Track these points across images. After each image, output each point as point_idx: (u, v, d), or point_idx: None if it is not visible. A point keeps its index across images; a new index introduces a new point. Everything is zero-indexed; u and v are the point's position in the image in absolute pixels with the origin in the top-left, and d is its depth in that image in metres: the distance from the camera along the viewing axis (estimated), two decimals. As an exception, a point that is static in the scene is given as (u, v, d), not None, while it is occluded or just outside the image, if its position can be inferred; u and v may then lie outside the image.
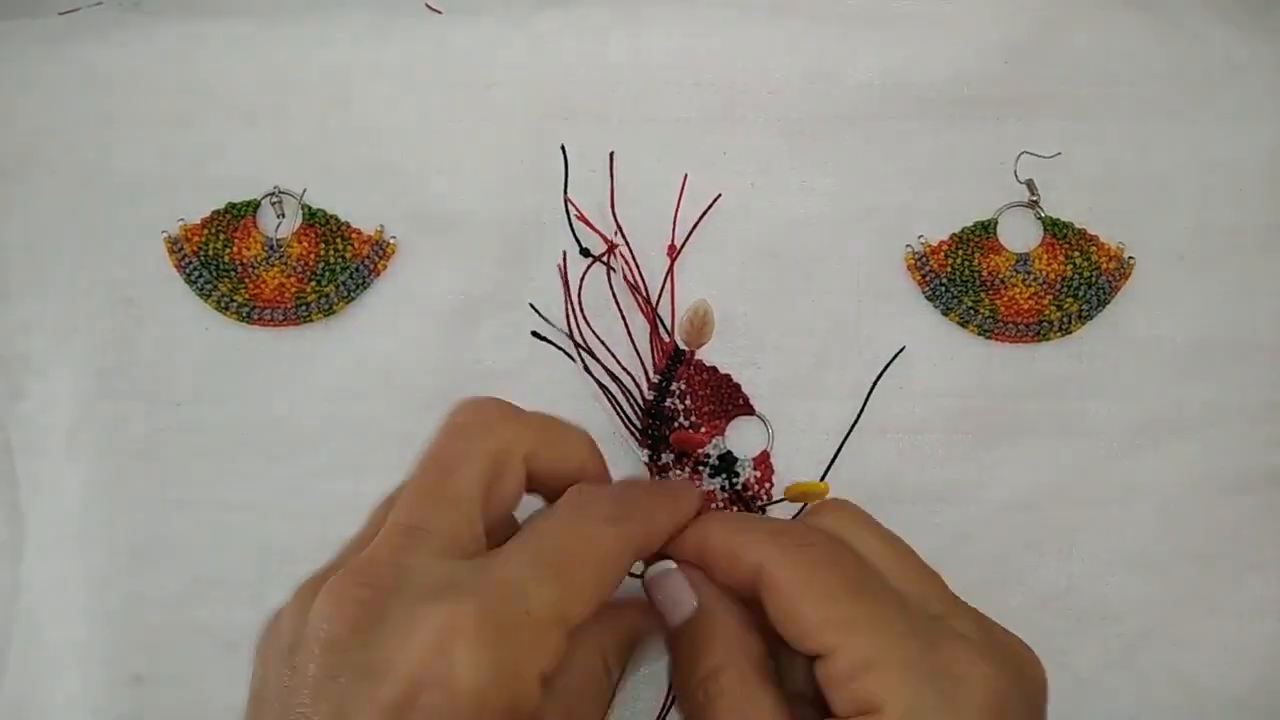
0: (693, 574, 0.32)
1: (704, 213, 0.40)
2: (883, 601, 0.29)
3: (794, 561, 0.29)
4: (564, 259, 0.40)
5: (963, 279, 0.40)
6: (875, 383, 0.39)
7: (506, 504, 0.31)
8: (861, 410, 0.39)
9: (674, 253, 0.40)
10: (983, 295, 0.40)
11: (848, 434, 0.39)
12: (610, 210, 0.40)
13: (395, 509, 0.29)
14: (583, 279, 0.40)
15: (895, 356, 0.39)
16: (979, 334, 0.39)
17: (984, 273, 0.40)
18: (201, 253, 0.40)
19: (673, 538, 0.32)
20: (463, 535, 0.29)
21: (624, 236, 0.40)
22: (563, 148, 0.40)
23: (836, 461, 0.39)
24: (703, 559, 0.32)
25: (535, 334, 0.39)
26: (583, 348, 0.39)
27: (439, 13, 0.42)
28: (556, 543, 0.29)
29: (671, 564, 0.32)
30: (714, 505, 0.39)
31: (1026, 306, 0.39)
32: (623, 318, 0.40)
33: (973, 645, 0.28)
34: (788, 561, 0.29)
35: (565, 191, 0.40)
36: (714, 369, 0.40)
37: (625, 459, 0.39)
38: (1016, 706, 0.28)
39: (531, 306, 0.40)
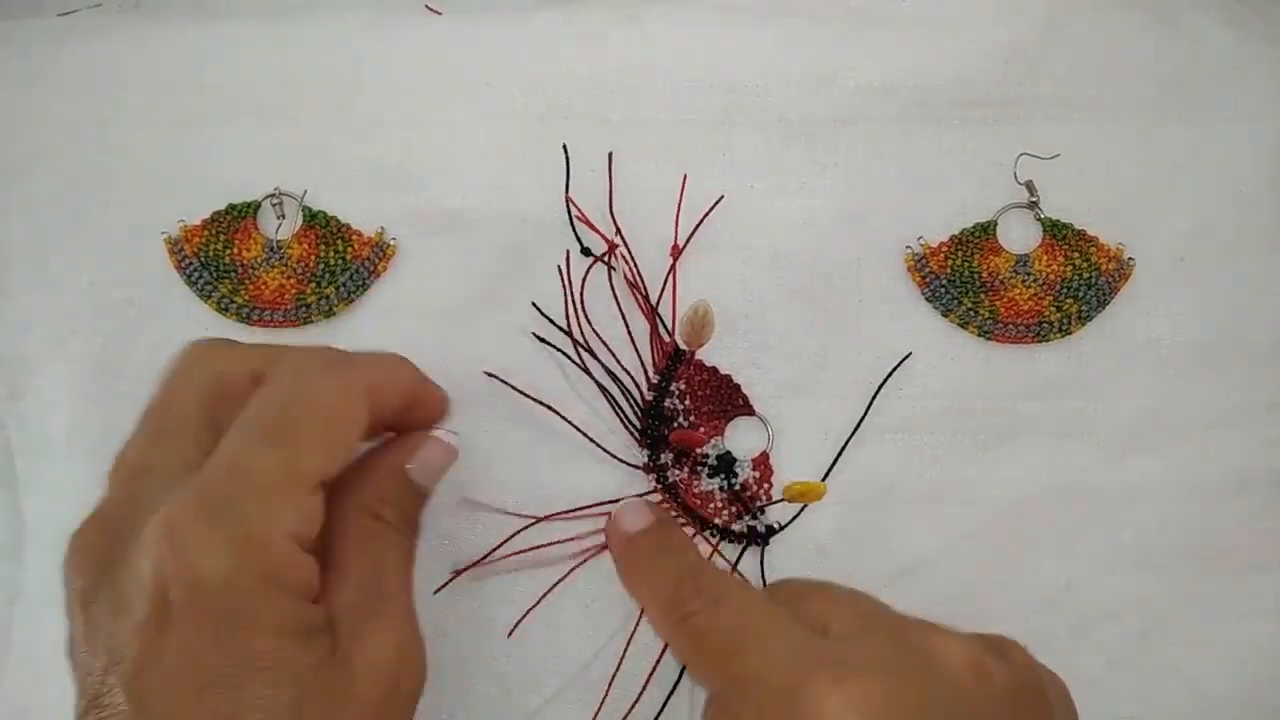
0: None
1: (706, 214, 0.40)
2: None
3: None
4: (567, 259, 0.40)
5: (962, 280, 0.40)
6: (880, 387, 0.39)
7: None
8: (865, 414, 0.39)
9: (676, 253, 0.40)
10: (982, 296, 0.40)
11: (850, 435, 0.39)
12: (609, 211, 0.40)
13: (120, 459, 0.29)
14: (584, 279, 0.40)
15: (901, 363, 0.39)
16: (979, 335, 0.39)
17: (984, 274, 0.40)
18: (202, 254, 0.40)
19: (409, 402, 0.33)
20: (191, 461, 0.28)
21: (622, 237, 0.40)
22: (564, 147, 0.40)
23: (836, 463, 0.39)
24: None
25: (536, 336, 0.39)
26: (583, 347, 0.39)
27: (438, 14, 0.42)
28: (273, 406, 0.28)
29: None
30: (711, 505, 0.39)
31: (1026, 308, 0.39)
32: (623, 318, 0.40)
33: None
34: None
35: (567, 191, 0.40)
36: (714, 369, 0.39)
37: (623, 459, 0.39)
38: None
39: (534, 306, 0.40)
